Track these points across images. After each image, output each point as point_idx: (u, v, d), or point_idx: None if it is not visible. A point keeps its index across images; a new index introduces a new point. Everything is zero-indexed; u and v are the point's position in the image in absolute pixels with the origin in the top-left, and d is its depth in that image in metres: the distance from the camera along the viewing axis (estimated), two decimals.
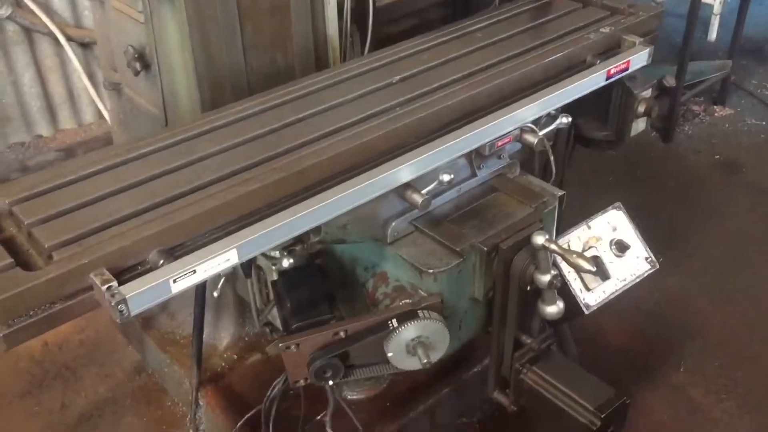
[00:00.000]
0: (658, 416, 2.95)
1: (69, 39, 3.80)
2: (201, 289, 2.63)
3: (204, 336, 2.81)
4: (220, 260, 1.60)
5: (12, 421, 2.99)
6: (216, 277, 2.50)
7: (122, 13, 2.55)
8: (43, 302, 1.48)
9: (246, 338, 3.00)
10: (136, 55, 2.51)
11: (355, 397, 2.74)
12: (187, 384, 2.88)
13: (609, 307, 3.25)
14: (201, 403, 2.85)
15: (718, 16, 5.36)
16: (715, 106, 4.88)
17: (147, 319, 3.12)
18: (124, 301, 1.48)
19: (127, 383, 3.16)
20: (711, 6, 5.25)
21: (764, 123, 4.76)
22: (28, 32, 3.74)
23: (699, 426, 2.92)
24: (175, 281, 1.55)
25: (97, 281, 1.48)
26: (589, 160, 3.91)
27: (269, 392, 2.43)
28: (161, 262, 1.58)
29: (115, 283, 1.49)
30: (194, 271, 1.57)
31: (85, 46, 3.92)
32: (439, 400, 2.80)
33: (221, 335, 2.98)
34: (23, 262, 1.56)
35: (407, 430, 2.75)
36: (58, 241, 1.55)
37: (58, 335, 3.35)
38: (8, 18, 3.62)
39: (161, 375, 3.11)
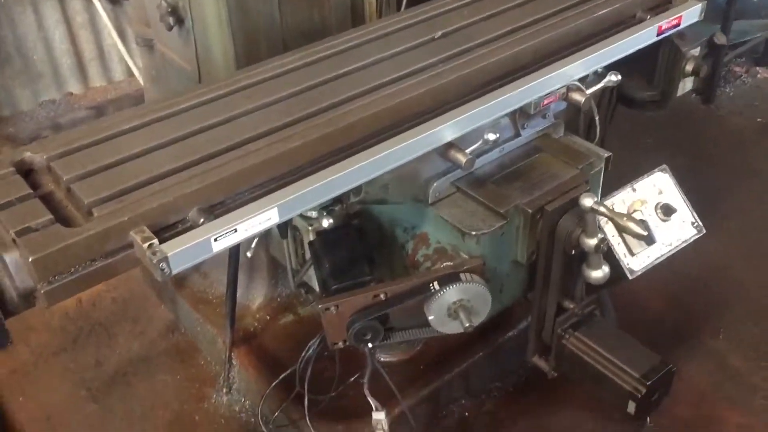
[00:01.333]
0: (697, 383, 2.90)
1: None
2: (234, 248, 2.60)
3: (237, 296, 2.80)
4: (261, 219, 1.57)
5: (47, 378, 3.02)
6: (249, 238, 2.50)
7: None
8: (84, 259, 1.46)
9: (278, 299, 2.98)
10: (170, 9, 2.46)
11: (388, 359, 2.73)
12: (220, 343, 2.88)
13: (646, 273, 3.21)
14: (234, 362, 2.85)
15: None
16: (757, 68, 4.73)
17: (180, 278, 3.12)
18: (165, 259, 1.45)
19: (160, 341, 3.16)
20: None
21: None
22: None
23: (739, 393, 2.86)
24: (216, 240, 1.52)
25: (138, 239, 1.45)
26: (627, 122, 3.81)
27: (304, 353, 2.41)
28: (202, 220, 1.55)
29: (156, 241, 1.46)
30: (235, 230, 1.54)
31: (114, 3, 3.87)
32: (473, 364, 2.77)
33: (254, 295, 2.97)
34: (63, 218, 1.53)
35: (441, 393, 2.73)
36: (98, 198, 1.52)
37: (92, 293, 3.35)
38: None
39: (194, 334, 3.11)
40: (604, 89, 2.33)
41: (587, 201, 1.78)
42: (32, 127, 3.77)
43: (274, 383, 2.58)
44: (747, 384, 2.90)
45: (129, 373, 3.02)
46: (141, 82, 3.93)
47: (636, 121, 4.19)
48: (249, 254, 2.55)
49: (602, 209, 1.76)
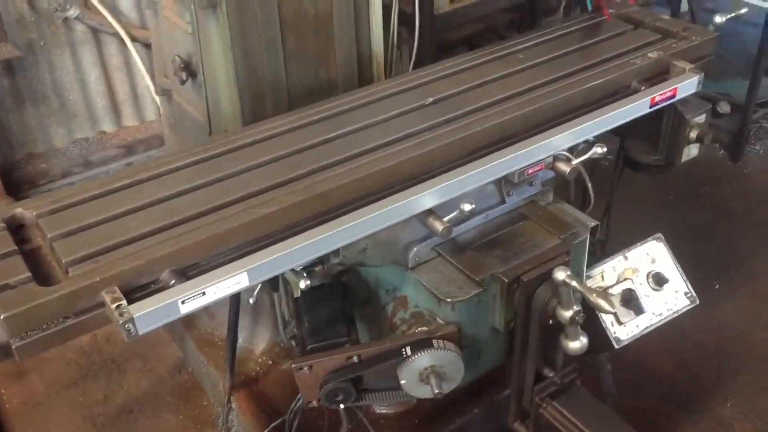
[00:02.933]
0: None
1: (134, 39, 3.89)
2: (234, 295, 2.67)
3: (240, 340, 2.86)
4: (230, 283, 1.62)
5: (57, 410, 3.11)
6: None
7: (172, 22, 2.61)
8: (56, 317, 1.53)
9: (282, 344, 3.03)
10: (183, 65, 2.56)
11: (384, 411, 2.75)
12: (221, 386, 2.94)
13: (655, 331, 3.17)
14: (233, 405, 2.90)
15: None
16: None
17: (188, 319, 3.19)
18: (131, 320, 1.51)
19: (168, 379, 3.24)
20: None
21: None
22: (95, 32, 3.84)
23: None
24: (183, 302, 1.58)
25: (108, 299, 1.52)
26: (649, 176, 3.79)
27: (294, 404, 2.45)
28: (173, 282, 1.61)
29: (124, 302, 1.52)
30: (203, 293, 1.59)
31: (148, 47, 4.01)
32: (469, 420, 2.77)
33: (257, 340, 3.02)
34: (44, 274, 1.61)
35: None
36: (75, 257, 1.59)
37: (107, 328, 3.44)
38: (76, 18, 3.73)
39: (199, 374, 3.18)
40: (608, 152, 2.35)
41: (560, 274, 1.79)
42: (64, 163, 3.92)
43: (267, 430, 2.62)
44: None
45: (135, 410, 3.11)
46: None
47: (658, 176, 4.17)
48: (251, 300, 2.61)
49: (574, 283, 1.77)
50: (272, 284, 2.22)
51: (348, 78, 2.62)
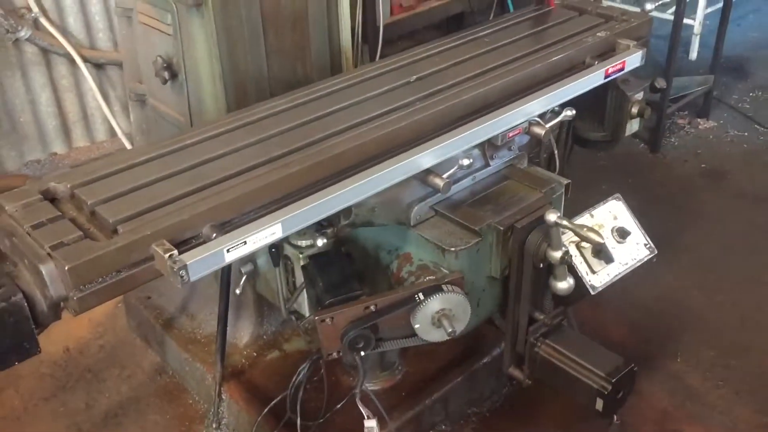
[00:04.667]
0: (659, 402, 3.10)
1: (84, 60, 3.97)
2: (226, 284, 2.78)
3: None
4: (266, 233, 1.76)
5: (39, 422, 3.09)
6: (238, 276, 2.68)
7: (149, 26, 2.73)
8: (111, 270, 1.63)
9: (264, 336, 3.13)
10: (165, 65, 2.68)
11: (372, 387, 2.89)
12: (209, 380, 3.01)
13: (608, 303, 3.45)
14: (223, 397, 2.98)
15: (698, 36, 5.61)
16: (698, 119, 5.11)
17: (167, 321, 3.26)
18: (185, 267, 1.63)
19: (148, 383, 3.26)
20: (692, 26, 5.51)
21: (746, 134, 4.99)
22: (45, 53, 3.91)
23: (698, 411, 3.06)
24: (228, 251, 1.70)
25: (160, 251, 1.64)
26: (582, 169, 4.11)
27: (294, 378, 2.57)
28: (214, 235, 1.74)
29: (175, 252, 1.64)
30: (245, 242, 1.73)
31: (99, 67, 4.09)
32: (451, 389, 2.94)
33: (241, 333, 3.11)
34: (89, 237, 1.70)
35: (422, 418, 2.89)
36: (122, 217, 1.71)
37: (79, 341, 3.47)
38: (27, 39, 3.78)
39: (182, 374, 3.23)
40: (560, 127, 2.61)
41: (551, 216, 2.01)
42: None
43: (265, 410, 2.71)
44: (705, 402, 3.10)
45: (120, 414, 3.12)
46: (124, 141, 4.13)
47: (590, 168, 4.52)
48: (238, 291, 2.73)
49: (565, 222, 1.99)
50: (274, 259, 2.35)
51: (321, 72, 2.81)
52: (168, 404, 3.17)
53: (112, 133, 4.22)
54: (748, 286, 3.68)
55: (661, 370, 3.27)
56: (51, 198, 1.84)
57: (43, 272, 1.60)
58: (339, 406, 2.74)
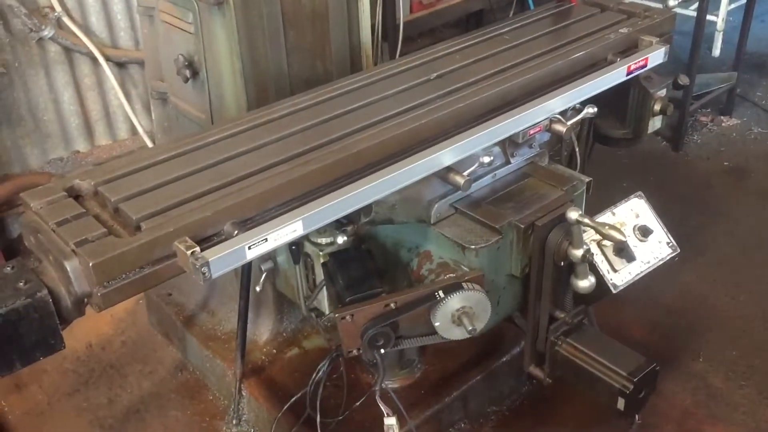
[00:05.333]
0: (681, 402, 3.08)
1: (107, 59, 3.99)
2: (246, 281, 2.79)
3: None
4: (288, 230, 1.77)
5: (61, 417, 3.13)
6: (258, 273, 2.69)
7: (171, 25, 2.74)
8: (134, 266, 1.65)
9: (284, 333, 3.15)
10: (186, 63, 2.70)
11: (391, 385, 2.89)
12: (229, 376, 3.03)
13: (630, 302, 3.42)
14: (244, 393, 3.00)
15: (721, 33, 5.54)
16: (722, 117, 5.06)
17: (188, 318, 3.28)
18: (207, 264, 1.64)
19: (169, 380, 3.29)
20: (715, 23, 5.45)
21: None
22: (68, 52, 3.93)
23: (720, 409, 3.04)
24: (249, 248, 1.71)
25: (182, 247, 1.65)
26: (603, 167, 4.08)
27: (314, 375, 2.57)
28: (236, 232, 1.75)
29: (198, 249, 1.65)
30: (266, 240, 1.73)
31: (120, 66, 4.11)
32: (471, 388, 2.94)
33: (261, 331, 3.13)
34: (113, 234, 1.72)
35: (442, 416, 2.89)
36: (145, 213, 1.72)
37: (101, 337, 3.50)
38: (50, 39, 3.81)
39: (202, 371, 3.25)
40: (582, 124, 2.60)
41: (573, 214, 2.00)
42: None
43: (286, 406, 2.72)
44: (728, 401, 3.08)
45: (141, 410, 3.15)
46: (145, 139, 4.15)
47: (612, 166, 4.49)
48: (258, 288, 2.74)
49: (586, 220, 1.98)
50: (295, 256, 2.36)
51: (341, 69, 2.81)
52: (189, 400, 3.20)
53: (134, 131, 4.24)
54: None
55: (683, 370, 3.24)
56: (75, 195, 1.86)
57: (68, 268, 1.62)
58: (358, 403, 2.75)
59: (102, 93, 4.16)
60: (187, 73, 2.70)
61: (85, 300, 1.69)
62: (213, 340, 3.18)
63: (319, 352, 3.03)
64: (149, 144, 4.08)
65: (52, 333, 1.68)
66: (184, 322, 3.27)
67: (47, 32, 3.80)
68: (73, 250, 1.63)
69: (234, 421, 3.04)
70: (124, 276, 1.64)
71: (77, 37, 3.90)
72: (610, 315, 3.28)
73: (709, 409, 3.05)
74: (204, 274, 1.64)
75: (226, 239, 1.75)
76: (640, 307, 3.50)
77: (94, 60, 4.00)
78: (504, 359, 3.02)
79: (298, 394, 2.67)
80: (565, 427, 2.99)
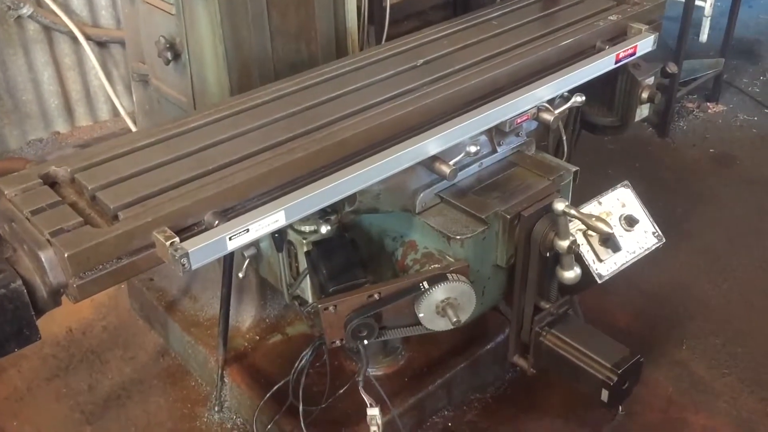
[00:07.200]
0: (663, 390, 3.09)
1: (87, 38, 3.92)
2: (229, 268, 2.76)
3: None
4: (269, 221, 1.73)
5: (42, 403, 3.10)
6: (241, 259, 2.65)
7: (153, 6, 2.68)
8: (111, 257, 1.61)
9: (267, 320, 3.13)
10: (168, 45, 2.64)
11: (375, 372, 2.88)
12: (211, 363, 3.00)
13: (614, 289, 3.41)
14: (226, 380, 2.97)
15: (709, 18, 5.53)
16: (708, 103, 5.06)
17: (170, 303, 3.25)
18: (186, 255, 1.60)
19: (151, 365, 3.26)
20: (702, 8, 5.43)
21: (755, 118, 4.93)
22: (47, 31, 3.86)
23: (703, 398, 3.05)
24: (230, 239, 1.68)
25: (161, 238, 1.61)
26: (589, 154, 4.07)
27: (297, 363, 2.55)
28: (216, 222, 1.71)
29: (177, 239, 1.61)
30: (247, 230, 1.70)
31: (101, 45, 4.05)
32: (454, 375, 2.94)
33: (243, 317, 3.10)
34: (89, 223, 1.68)
35: (425, 403, 2.88)
36: (123, 203, 1.67)
37: (82, 322, 3.46)
38: (29, 17, 3.74)
39: (185, 357, 3.22)
40: (569, 112, 2.57)
41: (559, 205, 1.98)
42: None
43: (268, 394, 2.70)
44: (710, 390, 3.09)
45: (122, 396, 3.12)
46: (127, 121, 4.09)
47: (598, 153, 4.48)
48: (241, 275, 2.71)
49: (573, 212, 1.96)
50: (278, 244, 2.33)
51: (327, 53, 2.75)
52: (171, 386, 3.17)
53: (115, 112, 4.19)
54: (756, 272, 3.66)
55: (667, 358, 3.25)
56: (51, 182, 1.81)
57: (43, 259, 1.58)
58: (341, 391, 2.73)
59: (82, 73, 4.10)
60: (169, 55, 2.64)
61: (61, 290, 1.65)
62: (195, 325, 3.15)
63: (303, 339, 3.01)
64: (131, 125, 4.02)
65: (26, 324, 1.64)
66: (166, 307, 3.23)
67: (26, 10, 3.73)
68: (48, 240, 1.58)
69: (216, 408, 3.02)
70: (101, 267, 1.60)
71: (57, 15, 3.83)
72: (594, 302, 3.28)
73: (692, 398, 3.06)
74: (183, 265, 1.61)
75: (206, 229, 1.71)
76: (624, 293, 3.50)
77: (74, 39, 3.93)
78: (488, 347, 3.01)
79: (281, 383, 2.65)
80: (549, 414, 3.00)
